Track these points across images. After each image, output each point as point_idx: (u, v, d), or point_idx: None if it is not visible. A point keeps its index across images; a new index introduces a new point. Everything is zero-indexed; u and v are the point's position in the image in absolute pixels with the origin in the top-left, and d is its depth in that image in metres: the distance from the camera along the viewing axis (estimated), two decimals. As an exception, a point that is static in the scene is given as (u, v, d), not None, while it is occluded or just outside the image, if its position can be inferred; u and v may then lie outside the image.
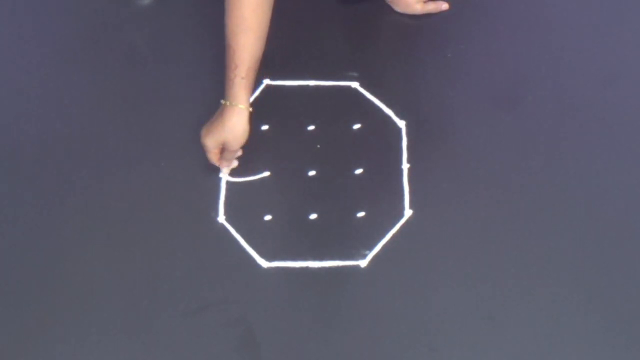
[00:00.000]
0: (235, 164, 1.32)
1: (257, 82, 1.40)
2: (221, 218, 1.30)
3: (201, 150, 1.28)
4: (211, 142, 1.26)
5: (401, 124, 1.37)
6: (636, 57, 1.45)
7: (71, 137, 1.36)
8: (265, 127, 1.37)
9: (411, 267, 1.27)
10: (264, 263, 1.26)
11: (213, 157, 1.29)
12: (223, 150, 1.28)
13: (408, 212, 1.30)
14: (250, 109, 1.23)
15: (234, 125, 1.23)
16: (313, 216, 1.30)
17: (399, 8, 1.47)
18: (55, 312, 1.23)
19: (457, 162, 1.35)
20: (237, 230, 1.29)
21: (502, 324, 1.23)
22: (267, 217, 1.30)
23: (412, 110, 1.38)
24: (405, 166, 1.34)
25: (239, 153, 1.30)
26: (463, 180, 1.33)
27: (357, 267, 1.26)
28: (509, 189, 1.32)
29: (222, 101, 1.24)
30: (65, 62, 1.43)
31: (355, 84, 1.40)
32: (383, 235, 1.28)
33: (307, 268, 1.26)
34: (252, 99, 1.38)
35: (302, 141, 1.36)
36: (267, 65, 1.41)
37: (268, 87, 1.40)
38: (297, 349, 1.21)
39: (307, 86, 1.41)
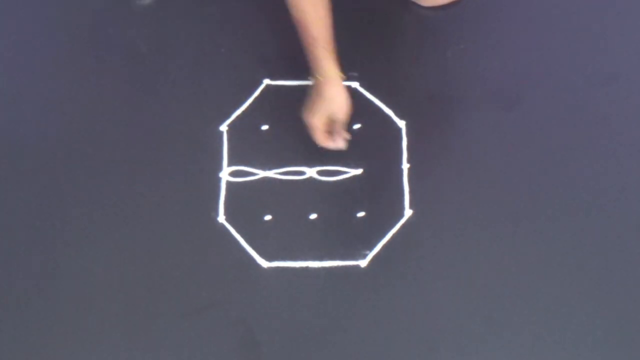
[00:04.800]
0: (347, 136, 1.29)
1: (258, 82, 1.41)
2: (221, 218, 1.30)
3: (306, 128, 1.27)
4: (317, 119, 1.25)
5: (401, 124, 1.37)
6: (636, 57, 1.45)
7: (71, 137, 1.36)
8: (265, 127, 1.37)
9: (411, 267, 1.27)
10: (264, 263, 1.26)
11: (321, 136, 1.27)
12: (331, 126, 1.27)
13: (408, 212, 1.30)
14: (342, 75, 1.23)
15: (334, 95, 1.22)
16: (313, 216, 1.30)
17: (426, 2, 1.46)
18: (55, 312, 1.23)
19: (457, 162, 1.35)
20: (237, 230, 1.29)
21: (502, 324, 1.23)
22: (267, 217, 1.30)
23: (412, 110, 1.38)
24: (405, 166, 1.34)
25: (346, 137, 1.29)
26: (463, 180, 1.33)
27: (357, 267, 1.27)
28: (509, 188, 1.32)
29: (312, 78, 1.23)
30: (65, 62, 1.43)
31: (355, 84, 1.40)
32: (383, 235, 1.28)
33: (307, 268, 1.26)
34: (251, 99, 1.39)
35: (302, 141, 1.36)
36: (267, 65, 1.42)
37: (268, 87, 1.40)
38: (297, 349, 1.21)
39: (307, 86, 1.41)
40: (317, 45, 1.20)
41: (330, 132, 1.28)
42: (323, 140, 1.28)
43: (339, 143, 1.29)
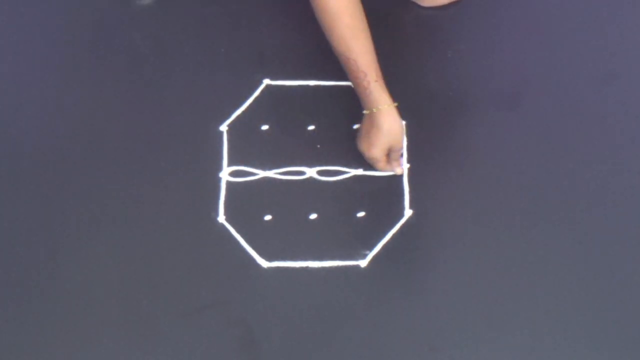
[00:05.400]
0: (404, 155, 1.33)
1: (258, 82, 1.41)
2: (221, 218, 1.30)
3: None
4: (378, 152, 1.27)
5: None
6: (636, 57, 1.45)
7: (71, 137, 1.36)
8: (265, 127, 1.37)
9: (411, 267, 1.27)
10: (264, 263, 1.26)
11: (384, 165, 1.30)
12: (388, 153, 1.29)
13: (408, 212, 1.30)
14: (396, 103, 1.24)
15: (391, 126, 1.24)
16: (313, 216, 1.30)
17: (426, 2, 1.46)
18: (56, 312, 1.23)
19: (457, 162, 1.35)
20: (237, 230, 1.29)
21: (502, 324, 1.23)
22: (267, 217, 1.30)
23: (412, 110, 1.38)
24: (405, 166, 1.34)
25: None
26: (463, 180, 1.33)
27: (357, 267, 1.26)
28: (509, 188, 1.32)
29: (365, 111, 1.25)
30: (65, 62, 1.43)
31: (355, 84, 1.40)
32: (383, 235, 1.28)
33: (307, 268, 1.26)
34: (251, 99, 1.39)
35: (302, 141, 1.36)
36: (267, 65, 1.42)
37: (268, 87, 1.40)
38: (297, 349, 1.21)
39: (307, 86, 1.41)
40: (369, 79, 1.20)
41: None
42: (384, 168, 1.31)
43: (397, 170, 1.31)
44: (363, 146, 1.28)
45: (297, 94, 1.40)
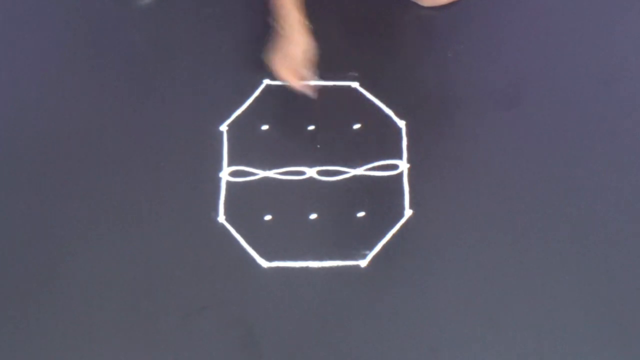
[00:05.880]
0: (312, 78, 1.31)
1: (258, 82, 1.41)
2: (221, 218, 1.30)
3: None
4: (279, 58, 1.28)
5: (401, 124, 1.37)
6: (636, 57, 1.45)
7: (71, 136, 1.36)
8: (265, 127, 1.37)
9: (411, 267, 1.27)
10: (264, 263, 1.26)
11: (291, 77, 1.30)
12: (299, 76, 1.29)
13: (408, 212, 1.30)
14: (306, 22, 1.26)
15: (297, 39, 1.26)
16: (313, 216, 1.30)
17: (426, 2, 1.47)
18: (56, 312, 1.23)
19: (457, 162, 1.35)
20: (237, 230, 1.29)
21: (502, 324, 1.23)
22: (267, 217, 1.30)
23: (412, 110, 1.38)
24: (405, 166, 1.34)
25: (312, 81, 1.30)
26: (463, 180, 1.33)
27: (357, 267, 1.27)
28: (509, 188, 1.32)
29: (274, 23, 1.26)
30: (65, 62, 1.43)
31: (355, 84, 1.40)
32: (383, 235, 1.28)
33: (307, 268, 1.26)
34: (251, 99, 1.39)
35: (302, 141, 1.36)
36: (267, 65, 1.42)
37: (268, 87, 1.40)
38: (297, 349, 1.21)
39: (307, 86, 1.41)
40: None
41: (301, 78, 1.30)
42: (292, 81, 1.30)
43: (305, 88, 1.30)
44: (269, 57, 1.30)
45: (297, 94, 1.40)
